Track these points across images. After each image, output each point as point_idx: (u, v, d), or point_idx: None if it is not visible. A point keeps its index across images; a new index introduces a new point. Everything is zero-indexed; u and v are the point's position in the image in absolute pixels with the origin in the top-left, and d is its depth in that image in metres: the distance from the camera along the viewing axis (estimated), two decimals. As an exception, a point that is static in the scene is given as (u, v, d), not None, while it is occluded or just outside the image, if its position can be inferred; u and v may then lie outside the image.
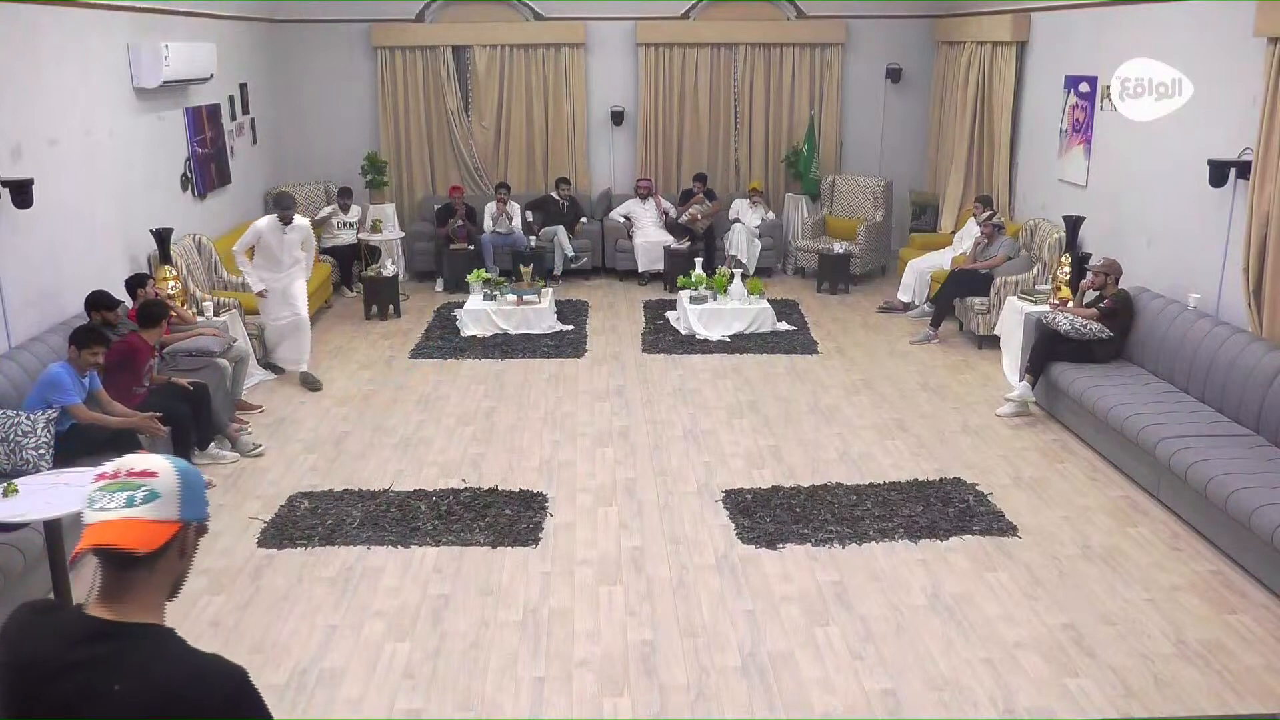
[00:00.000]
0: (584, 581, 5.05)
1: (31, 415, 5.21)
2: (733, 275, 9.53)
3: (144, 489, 1.67)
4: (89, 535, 1.66)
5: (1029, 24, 9.67)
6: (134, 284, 6.94)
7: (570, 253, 11.21)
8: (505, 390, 7.88)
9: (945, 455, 6.56)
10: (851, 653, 4.42)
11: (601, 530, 5.59)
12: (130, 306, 6.81)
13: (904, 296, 10.07)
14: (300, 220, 8.08)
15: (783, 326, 9.41)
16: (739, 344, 8.95)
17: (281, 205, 8.00)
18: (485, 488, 6.09)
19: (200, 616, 4.72)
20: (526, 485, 6.13)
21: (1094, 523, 5.64)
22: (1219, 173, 6.42)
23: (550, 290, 9.99)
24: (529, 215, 11.25)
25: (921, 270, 9.99)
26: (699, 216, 11.08)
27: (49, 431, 5.21)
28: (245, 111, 10.43)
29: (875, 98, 12.09)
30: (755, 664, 4.35)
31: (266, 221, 7.94)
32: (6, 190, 5.79)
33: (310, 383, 7.91)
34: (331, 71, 11.68)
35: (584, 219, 11.53)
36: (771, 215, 11.58)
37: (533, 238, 11.07)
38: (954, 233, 10.58)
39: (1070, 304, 7.51)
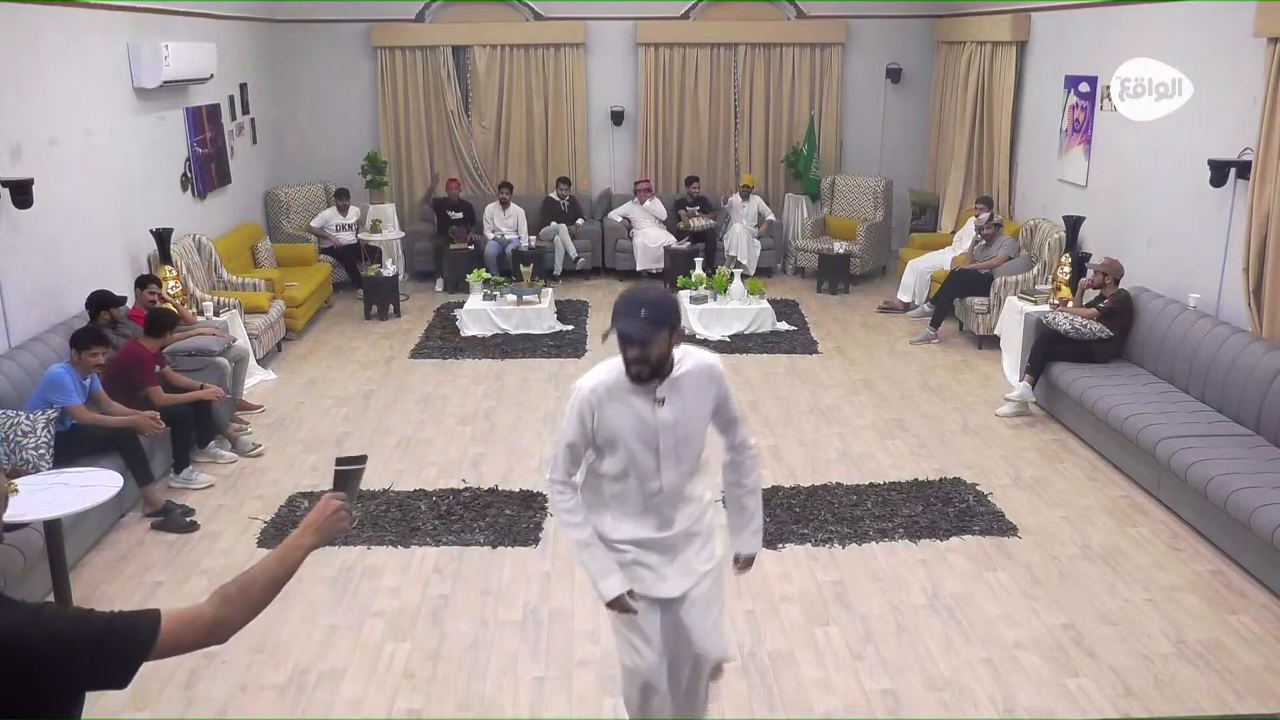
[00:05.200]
0: (584, 581, 5.04)
1: (31, 415, 5.21)
2: (733, 275, 9.53)
3: None
4: None
5: (1029, 24, 9.67)
6: (142, 284, 6.96)
7: (573, 253, 11.22)
8: (505, 390, 7.88)
9: (945, 455, 6.56)
10: (851, 653, 4.42)
11: (601, 530, 5.58)
12: (131, 306, 6.81)
13: (904, 296, 10.07)
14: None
15: (783, 326, 9.41)
16: (739, 344, 8.95)
17: (650, 321, 2.90)
18: (485, 488, 6.09)
19: (200, 616, 4.72)
20: (526, 485, 6.13)
21: (1094, 523, 5.64)
22: (1219, 173, 6.42)
23: (550, 290, 9.99)
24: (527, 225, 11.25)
25: (921, 270, 9.99)
26: (694, 225, 11.10)
27: (49, 431, 5.21)
28: (245, 111, 10.43)
29: (875, 98, 12.08)
30: (755, 664, 4.35)
31: (598, 380, 3.09)
32: (6, 190, 5.79)
33: None
34: (331, 71, 11.68)
35: (580, 219, 11.52)
36: (771, 216, 11.56)
37: (533, 238, 11.09)
38: (954, 233, 10.57)
39: (1070, 304, 7.51)
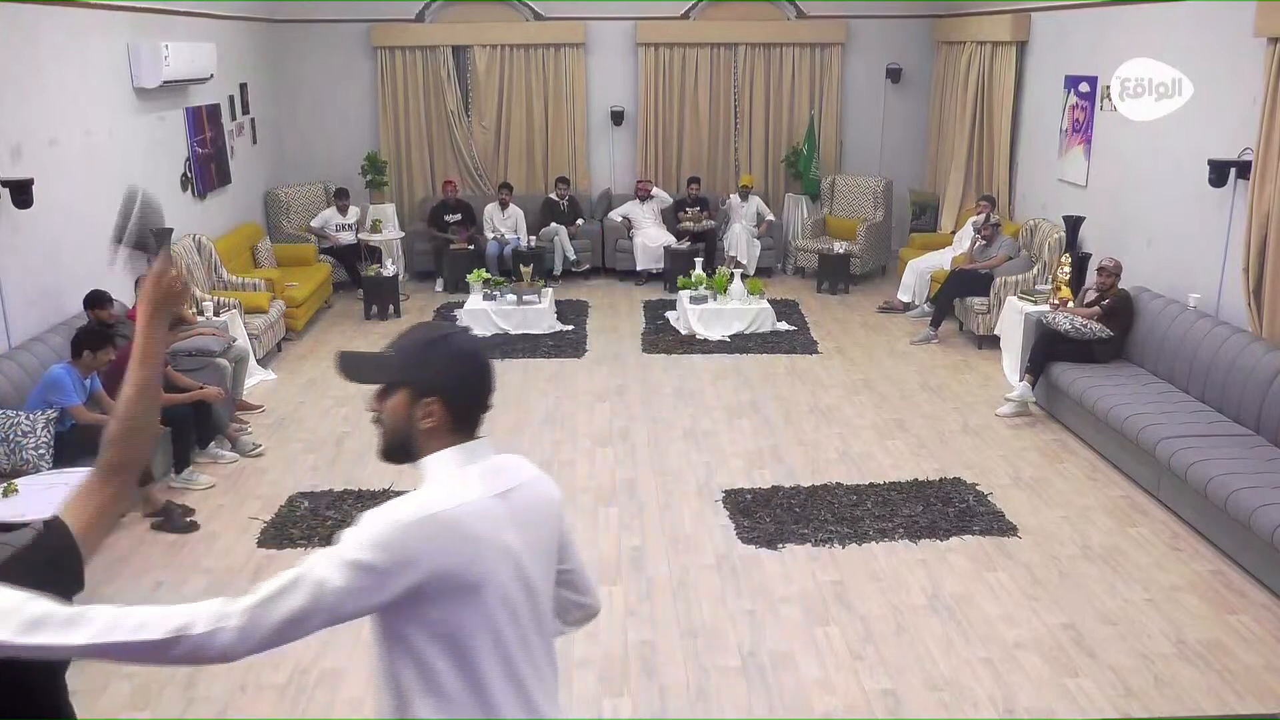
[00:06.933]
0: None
1: (31, 415, 5.22)
2: (733, 275, 9.53)
3: None
4: None
5: (1029, 24, 9.67)
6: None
7: (572, 255, 11.22)
8: (505, 390, 7.86)
9: (945, 455, 6.56)
10: (851, 653, 4.42)
11: (601, 530, 5.59)
12: (131, 306, 6.81)
13: (904, 296, 10.07)
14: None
15: (783, 326, 9.41)
16: (739, 344, 8.95)
17: (380, 363, 2.03)
18: (485, 488, 6.08)
19: (200, 616, 4.72)
20: (526, 485, 6.11)
21: (1094, 523, 5.64)
22: (1219, 173, 6.42)
23: (550, 290, 9.99)
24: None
25: (921, 270, 10.00)
26: (693, 225, 11.11)
27: (49, 431, 5.22)
28: (245, 111, 10.43)
29: (875, 98, 12.08)
30: (755, 664, 4.35)
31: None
32: (6, 190, 5.79)
33: None
34: (331, 71, 11.68)
35: (580, 219, 11.52)
36: (771, 216, 11.56)
37: (533, 238, 11.09)
38: (954, 233, 10.58)
39: (1070, 304, 7.51)
